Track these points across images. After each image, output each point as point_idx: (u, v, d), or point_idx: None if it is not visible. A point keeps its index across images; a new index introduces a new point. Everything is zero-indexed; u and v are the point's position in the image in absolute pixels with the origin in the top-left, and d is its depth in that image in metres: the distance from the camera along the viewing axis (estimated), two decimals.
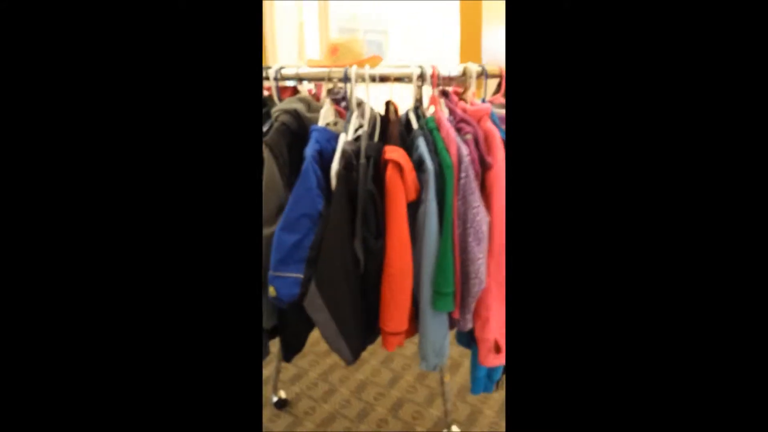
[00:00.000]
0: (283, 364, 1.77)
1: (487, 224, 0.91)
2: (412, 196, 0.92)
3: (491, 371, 1.19)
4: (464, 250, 0.92)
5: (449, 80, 1.01)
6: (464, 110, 0.96)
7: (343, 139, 0.94)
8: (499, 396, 1.63)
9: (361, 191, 0.89)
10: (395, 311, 0.96)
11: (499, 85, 1.17)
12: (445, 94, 1.03)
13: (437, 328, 0.97)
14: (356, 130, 0.96)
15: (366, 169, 0.89)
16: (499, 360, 1.02)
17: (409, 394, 1.66)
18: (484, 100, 1.04)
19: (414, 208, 0.93)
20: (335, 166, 0.90)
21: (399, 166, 0.88)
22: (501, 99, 1.12)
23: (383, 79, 1.01)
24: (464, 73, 1.01)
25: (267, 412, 1.59)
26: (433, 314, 0.96)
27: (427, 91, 0.99)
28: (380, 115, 1.03)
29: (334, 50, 1.42)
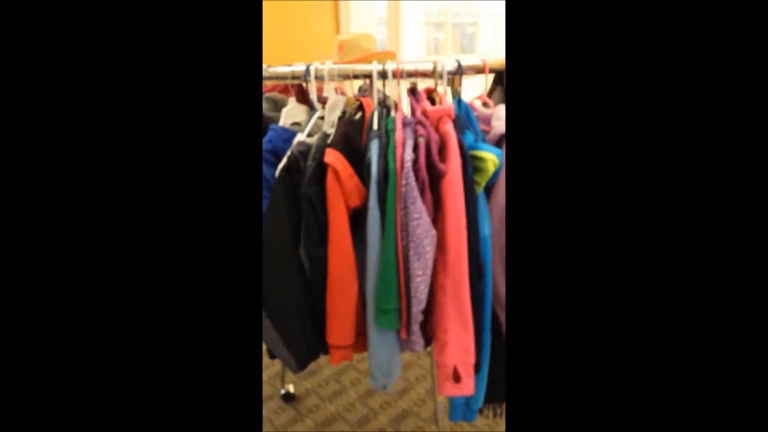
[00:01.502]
0: None
1: (432, 238, 0.81)
2: (355, 202, 0.86)
3: (469, 399, 1.08)
4: (406, 265, 0.83)
5: (421, 76, 0.92)
6: (424, 111, 0.87)
7: (297, 139, 0.91)
8: None
9: (301, 195, 0.85)
10: (337, 323, 0.90)
11: (496, 80, 1.04)
12: (413, 91, 0.94)
13: (382, 346, 0.90)
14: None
15: (310, 172, 0.85)
16: (459, 390, 0.91)
17: (416, 407, 1.58)
18: (459, 100, 0.93)
19: (363, 215, 0.86)
20: (279, 167, 0.87)
21: (335, 171, 0.82)
22: (485, 98, 1.00)
23: (356, 76, 0.95)
24: (434, 70, 0.91)
25: (273, 405, 1.62)
26: (378, 331, 0.88)
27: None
28: (348, 114, 0.97)
29: (341, 47, 1.39)
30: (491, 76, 1.04)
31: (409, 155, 0.80)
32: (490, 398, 1.23)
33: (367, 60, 1.23)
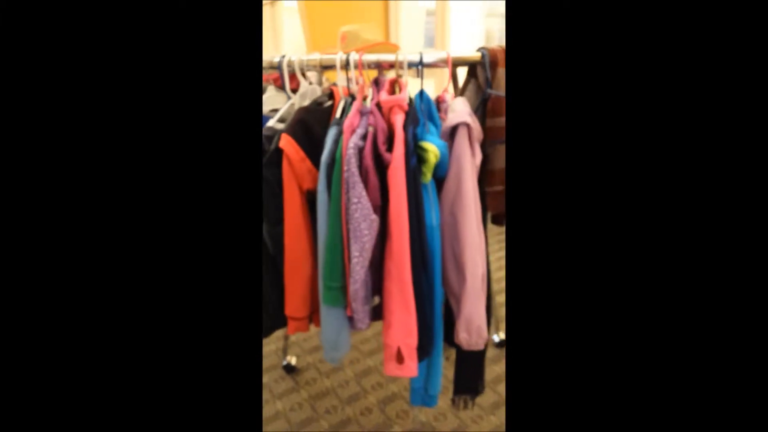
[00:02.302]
0: (309, 333, 1.88)
1: (371, 223, 0.86)
2: (308, 185, 0.92)
3: (426, 384, 1.12)
4: (349, 246, 0.88)
5: (387, 67, 0.96)
6: (378, 101, 0.91)
7: (267, 124, 0.99)
8: (496, 418, 1.48)
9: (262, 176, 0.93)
10: (291, 296, 0.97)
11: (470, 73, 1.06)
12: (376, 82, 0.98)
13: (330, 321, 0.96)
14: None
15: (268, 155, 0.92)
16: (401, 371, 0.95)
17: (406, 392, 1.63)
18: (421, 92, 0.96)
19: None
20: None
21: (287, 155, 0.89)
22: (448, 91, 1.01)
23: (324, 66, 1.01)
24: (395, 62, 0.95)
25: (275, 374, 1.74)
26: (326, 307, 0.95)
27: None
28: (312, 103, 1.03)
29: (343, 38, 1.45)
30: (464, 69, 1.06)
31: (353, 142, 0.85)
32: (461, 389, 1.26)
33: (363, 51, 1.28)
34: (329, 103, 1.04)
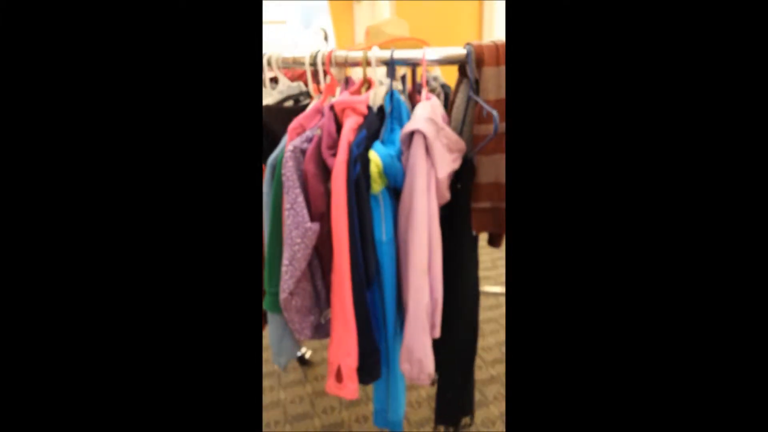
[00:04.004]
0: None
1: (306, 231, 0.80)
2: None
3: (391, 408, 1.04)
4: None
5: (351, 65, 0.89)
6: (331, 102, 0.84)
7: None
8: None
9: None
10: None
11: (461, 72, 0.93)
12: (347, 81, 0.91)
13: (273, 326, 0.93)
14: None
15: None
16: (339, 390, 0.89)
17: (409, 408, 1.55)
18: (392, 93, 0.87)
19: None
20: None
21: None
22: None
23: (298, 63, 0.97)
24: (363, 60, 0.87)
25: (290, 364, 1.77)
26: (269, 312, 0.92)
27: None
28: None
29: (367, 33, 1.40)
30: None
31: (293, 144, 0.80)
32: (440, 418, 1.16)
33: (385, 45, 1.22)
34: (306, 101, 0.99)
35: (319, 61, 0.88)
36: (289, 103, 0.99)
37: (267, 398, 1.60)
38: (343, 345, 0.87)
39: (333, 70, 0.98)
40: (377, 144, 0.79)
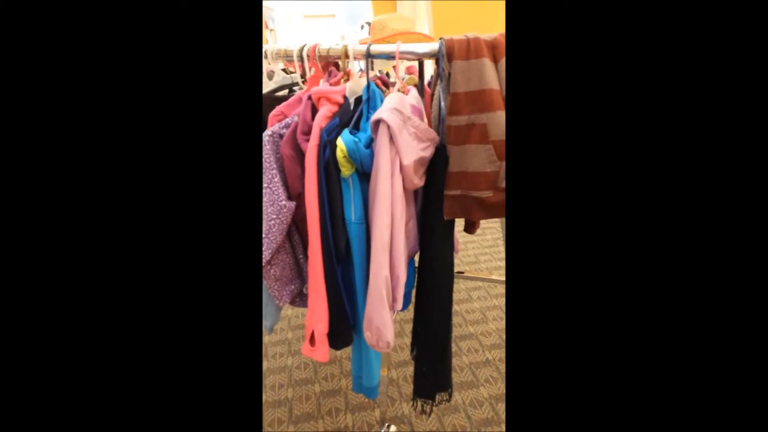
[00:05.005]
0: None
1: (281, 209, 0.90)
2: None
3: (364, 375, 1.13)
4: None
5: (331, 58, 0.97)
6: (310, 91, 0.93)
7: None
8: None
9: None
10: None
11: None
12: (329, 73, 0.99)
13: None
14: None
15: None
16: (311, 353, 1.00)
17: (417, 420, 1.56)
18: (368, 84, 0.94)
19: None
20: None
21: None
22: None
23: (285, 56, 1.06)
24: (343, 53, 0.94)
25: (298, 360, 1.76)
26: None
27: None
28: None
29: (372, 27, 1.46)
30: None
31: (272, 130, 0.89)
32: (417, 392, 1.24)
33: (386, 40, 1.29)
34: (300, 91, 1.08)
35: (304, 54, 0.97)
36: (284, 92, 1.09)
37: (273, 396, 1.60)
38: (316, 312, 0.97)
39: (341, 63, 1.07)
40: (345, 131, 0.87)
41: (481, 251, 2.61)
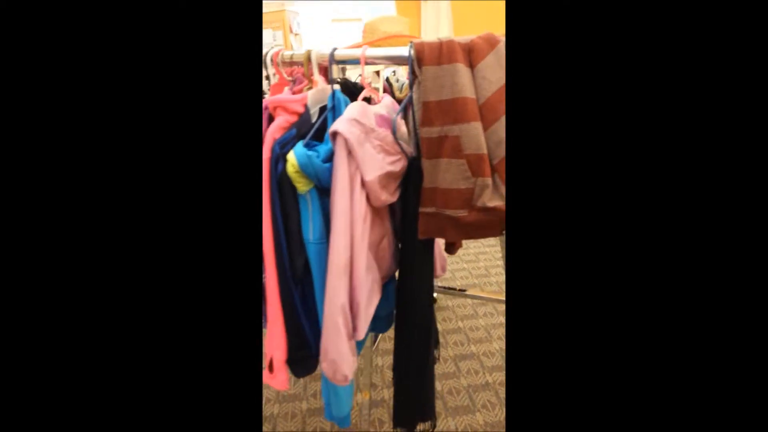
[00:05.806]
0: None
1: None
2: None
3: (333, 404, 1.05)
4: None
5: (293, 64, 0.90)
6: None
7: None
8: None
9: None
10: None
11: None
12: (294, 80, 0.92)
13: None
14: None
15: None
16: (271, 380, 0.93)
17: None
18: (334, 92, 0.86)
19: None
20: None
21: None
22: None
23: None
24: (306, 59, 0.87)
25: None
26: None
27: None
28: None
29: (364, 30, 1.40)
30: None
31: None
32: (397, 421, 1.16)
33: (377, 43, 1.21)
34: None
35: (268, 60, 0.90)
36: None
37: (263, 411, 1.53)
38: (274, 338, 0.90)
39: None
40: (299, 144, 0.79)
41: (492, 263, 2.49)
